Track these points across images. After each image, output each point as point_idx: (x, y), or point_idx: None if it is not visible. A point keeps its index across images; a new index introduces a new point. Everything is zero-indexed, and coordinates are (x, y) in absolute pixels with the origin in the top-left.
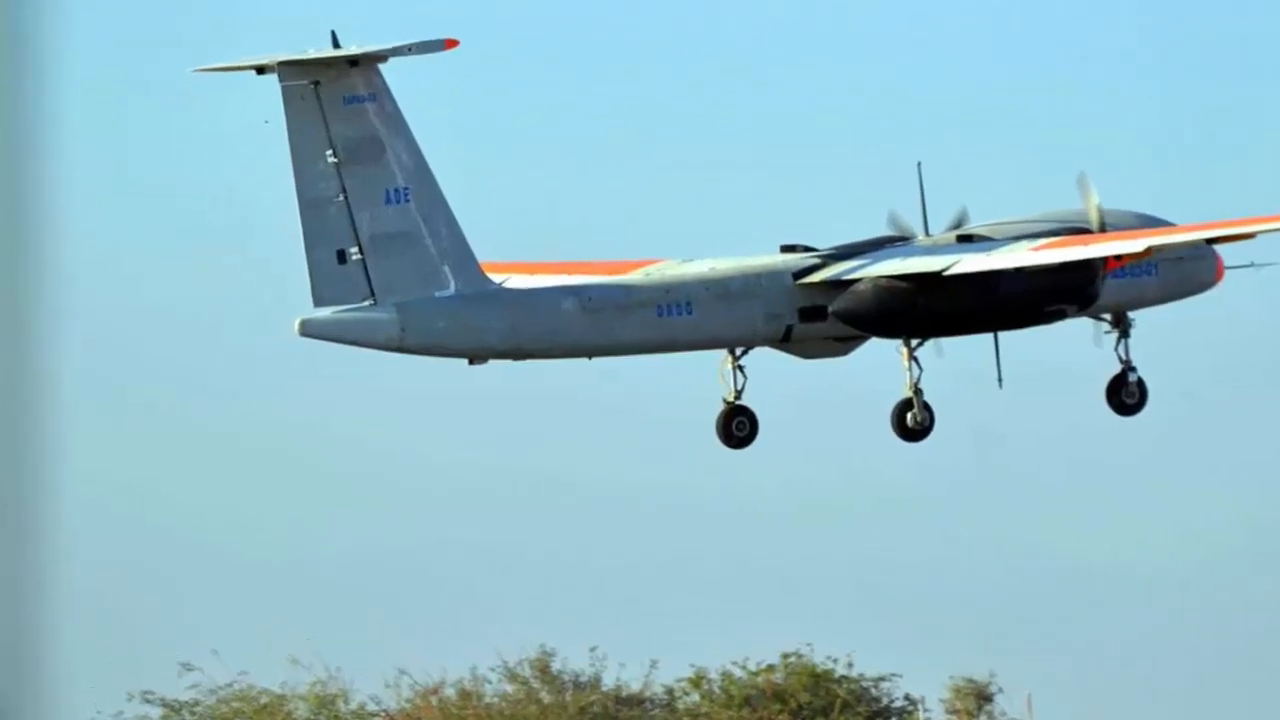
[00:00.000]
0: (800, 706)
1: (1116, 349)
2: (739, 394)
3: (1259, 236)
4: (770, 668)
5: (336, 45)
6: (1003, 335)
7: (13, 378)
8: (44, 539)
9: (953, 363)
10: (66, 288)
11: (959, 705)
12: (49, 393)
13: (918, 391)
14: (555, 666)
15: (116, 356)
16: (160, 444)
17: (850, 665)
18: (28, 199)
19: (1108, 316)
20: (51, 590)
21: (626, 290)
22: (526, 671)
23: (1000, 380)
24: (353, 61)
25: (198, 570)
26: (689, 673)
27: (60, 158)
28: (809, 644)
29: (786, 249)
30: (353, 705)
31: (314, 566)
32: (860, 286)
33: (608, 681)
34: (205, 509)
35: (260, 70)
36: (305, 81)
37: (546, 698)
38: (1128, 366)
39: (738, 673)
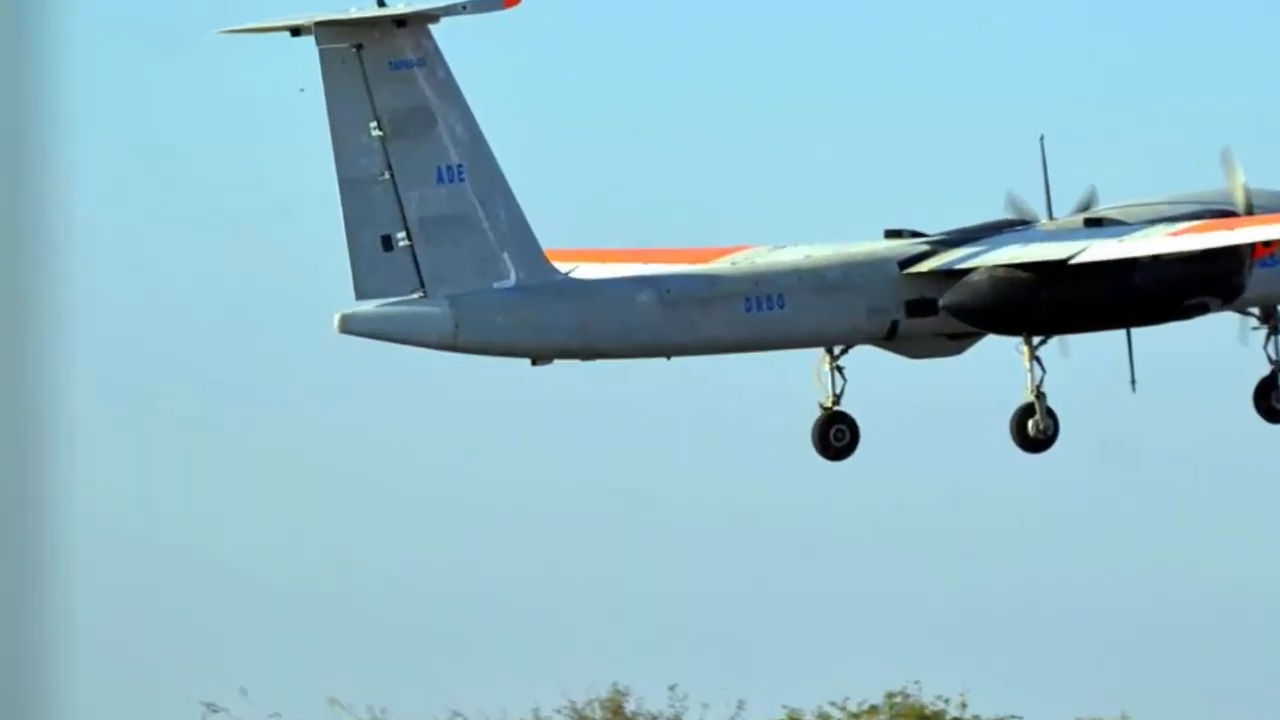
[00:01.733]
0: None
1: (1265, 347)
2: (837, 398)
3: None
4: (873, 709)
5: (381, 3)
6: (1136, 332)
7: (13, 380)
8: (49, 563)
9: (1079, 363)
10: (74, 278)
11: None
12: (53, 398)
13: (1040, 396)
14: (629, 707)
15: (130, 357)
16: (180, 457)
17: (964, 706)
18: (31, 178)
19: (1255, 311)
20: (58, 621)
21: (710, 281)
22: (597, 713)
23: (1133, 383)
24: (400, 22)
25: (224, 599)
26: (780, 714)
27: (68, 131)
28: (917, 681)
29: (891, 234)
30: None
31: (356, 595)
32: (975, 277)
33: None
34: (232, 530)
35: (295, 32)
36: (346, 44)
37: None
38: (1278, 367)
39: (836, 714)
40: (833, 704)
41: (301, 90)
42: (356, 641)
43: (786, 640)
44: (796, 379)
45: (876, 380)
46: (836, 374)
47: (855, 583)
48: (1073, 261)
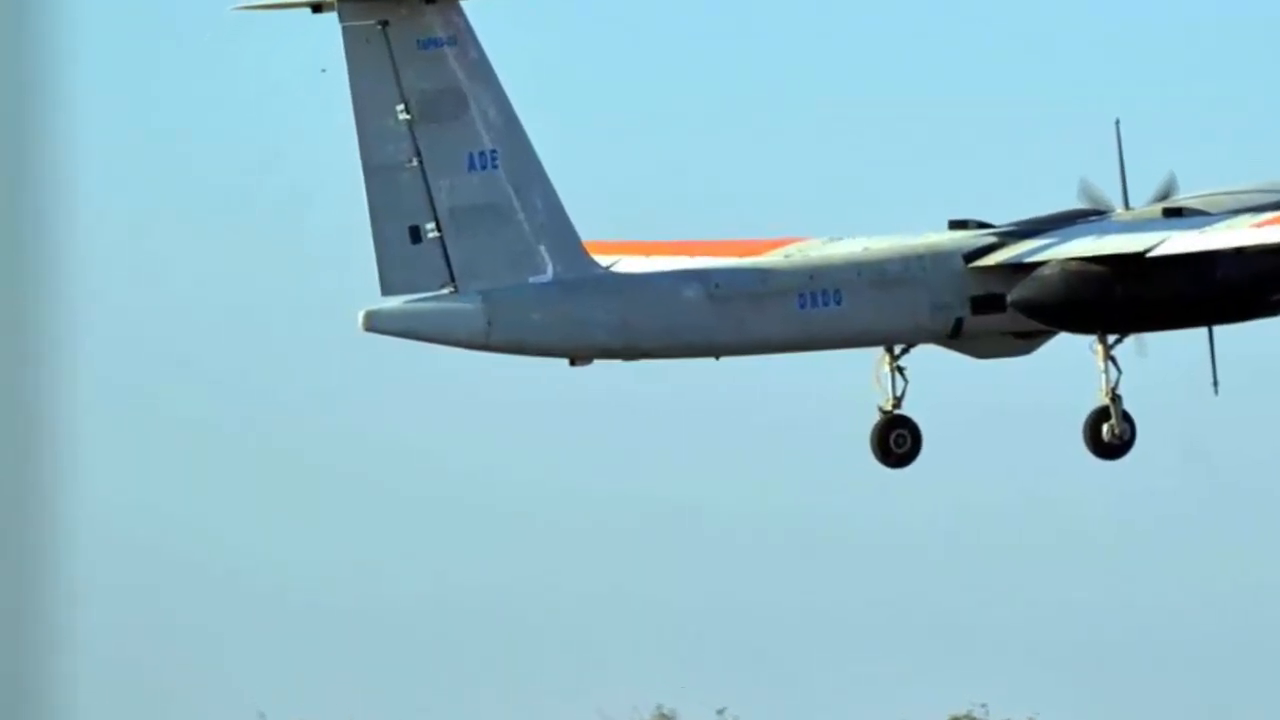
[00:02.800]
0: None
1: None
2: (898, 401)
3: None
4: None
5: None
6: (1219, 330)
7: (15, 382)
8: (52, 578)
9: (1158, 363)
10: (78, 273)
11: None
12: (58, 402)
13: (1115, 398)
14: None
15: (137, 358)
16: (191, 464)
17: None
18: (32, 165)
19: None
20: (62, 640)
21: (762, 275)
22: None
23: (1215, 385)
24: None
25: (240, 616)
26: None
27: (71, 115)
28: (983, 705)
29: (956, 225)
30: None
31: (381, 609)
32: (1045, 271)
33: None
34: (249, 543)
35: (316, 8)
36: (371, 21)
37: None
38: None
39: None
40: None
41: (323, 71)
42: (382, 658)
43: (843, 660)
44: (854, 381)
45: (940, 382)
46: (897, 375)
47: (917, 599)
48: (1150, 254)
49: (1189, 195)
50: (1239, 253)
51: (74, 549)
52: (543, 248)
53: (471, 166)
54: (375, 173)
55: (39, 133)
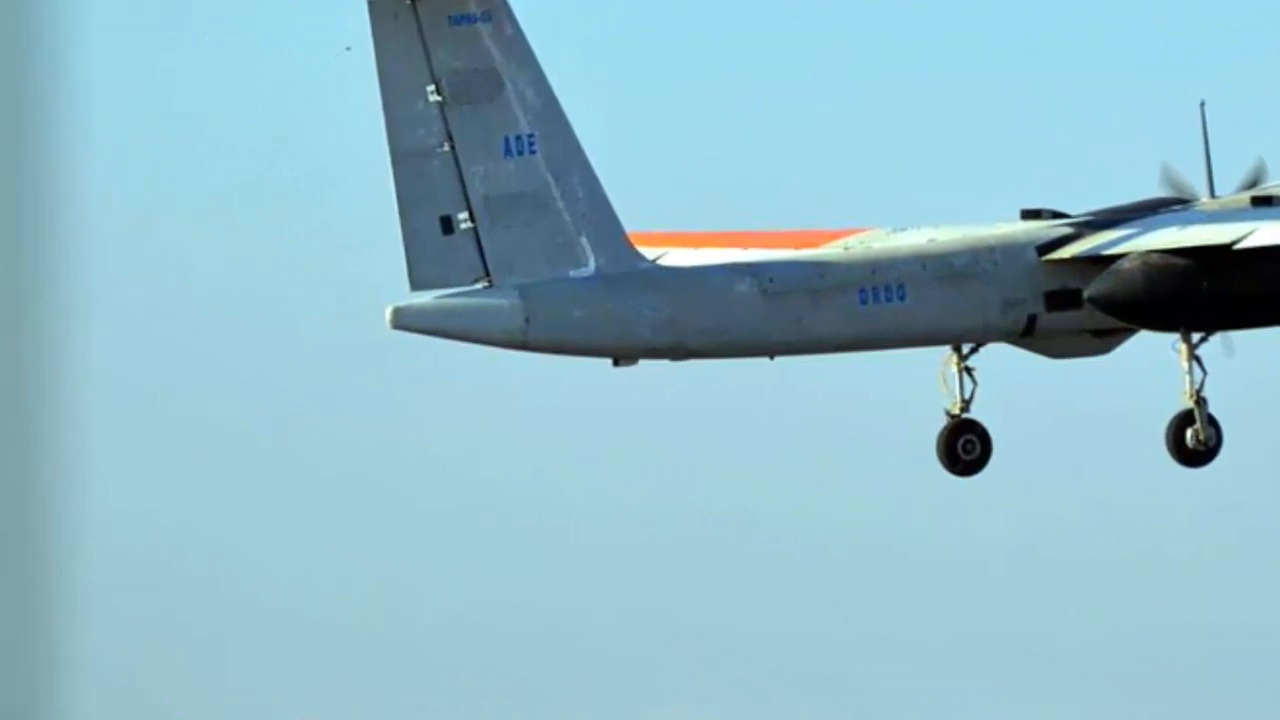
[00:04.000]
0: None
1: None
2: (967, 405)
3: None
4: None
5: None
6: None
7: (18, 383)
8: (55, 592)
9: (1246, 364)
10: (84, 266)
11: None
12: (62, 403)
13: (1200, 402)
14: None
15: (149, 357)
16: (210, 472)
17: None
18: (38, 150)
19: None
20: (65, 660)
21: (820, 269)
22: None
23: None
24: None
25: (260, 638)
26: None
27: (78, 96)
28: None
29: (1029, 215)
30: None
31: (413, 630)
32: (1125, 264)
33: None
34: (267, 554)
35: None
36: None
37: None
38: None
39: None
40: None
41: (348, 49)
42: (417, 687)
43: (909, 681)
44: (919, 382)
45: (1011, 384)
46: (965, 376)
47: (986, 619)
48: (1238, 246)
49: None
50: None
51: (85, 560)
52: (584, 239)
53: (507, 152)
54: (404, 159)
55: (41, 117)
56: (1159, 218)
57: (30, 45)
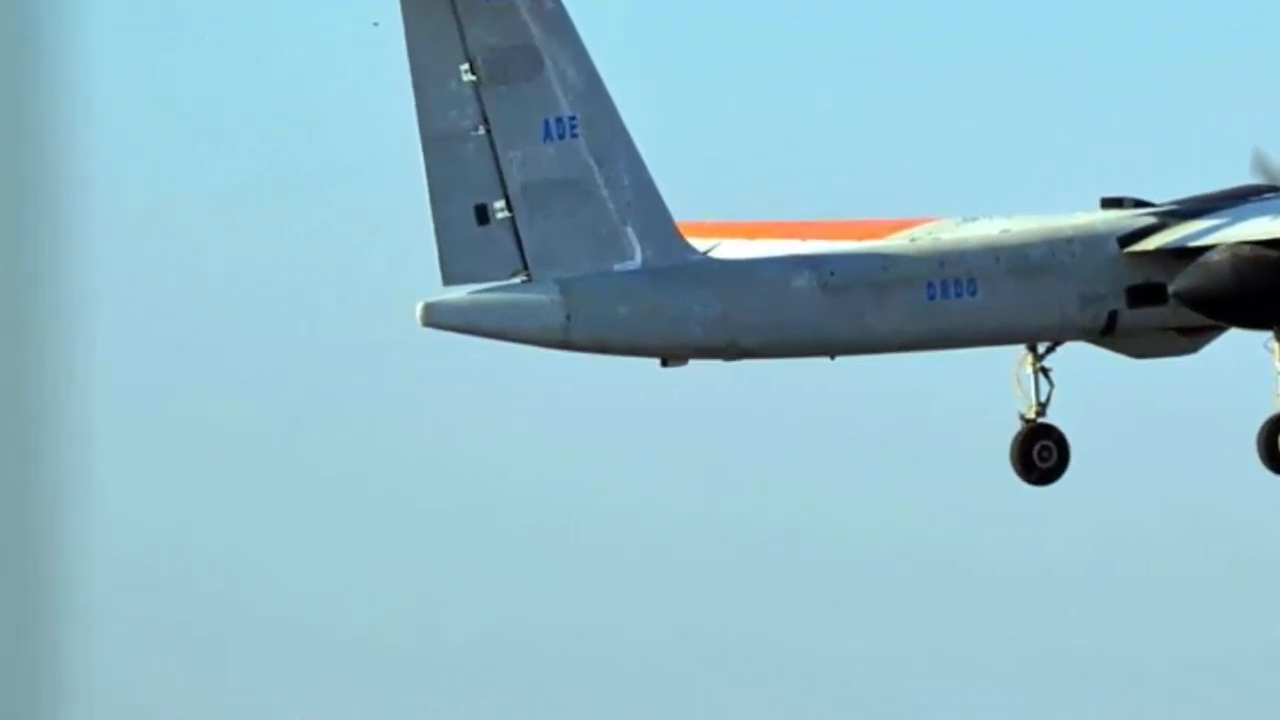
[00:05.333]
0: None
1: None
2: (1043, 408)
3: None
4: None
5: None
6: None
7: (21, 383)
8: (60, 608)
9: None
10: (92, 258)
11: None
12: (67, 408)
13: None
14: None
15: (162, 357)
16: (227, 481)
17: None
18: (41, 139)
19: None
20: (71, 682)
21: (884, 262)
22: None
23: None
24: None
25: (281, 657)
26: None
27: (85, 75)
28: None
29: (1110, 203)
30: None
31: (446, 653)
32: (1213, 257)
33: None
34: (291, 573)
35: None
36: None
37: None
38: None
39: None
40: None
41: (376, 25)
42: (456, 696)
43: (980, 703)
44: (991, 384)
45: (1090, 385)
46: (1041, 378)
47: (1065, 636)
48: None
49: None
50: None
51: (95, 571)
52: (630, 230)
53: (547, 135)
54: (436, 143)
55: (47, 102)
56: (1250, 206)
57: (40, 29)
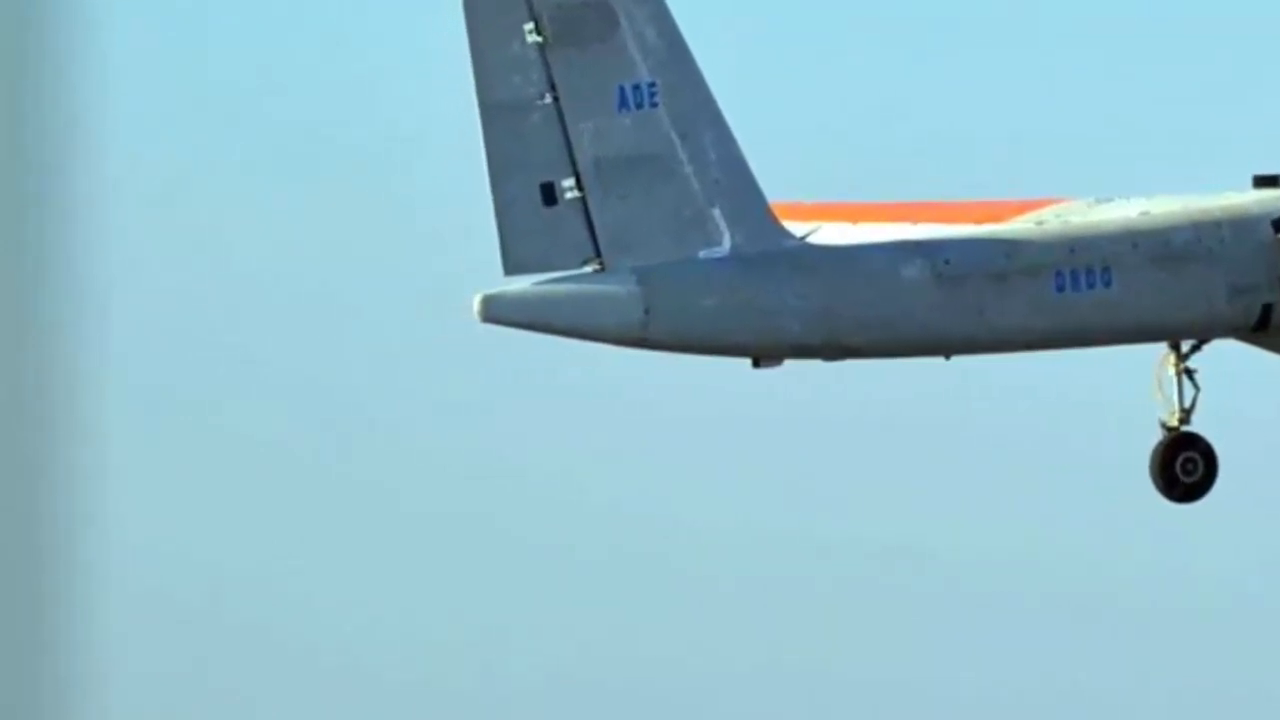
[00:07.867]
0: None
1: None
2: (1187, 415)
3: None
4: None
5: None
6: None
7: (25, 383)
8: (67, 635)
9: None
10: (108, 245)
11: None
12: (76, 410)
13: None
14: None
15: (183, 354)
16: (254, 494)
17: None
18: (52, 109)
19: None
20: (86, 690)
21: (1008, 248)
22: None
23: None
24: None
25: (311, 689)
26: None
27: (99, 42)
28: None
29: (1263, 182)
30: None
31: (495, 684)
32: None
33: None
34: (324, 596)
35: None
36: None
37: None
38: None
39: None
40: None
41: None
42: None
43: None
44: (1129, 388)
45: (1242, 389)
46: (1185, 380)
47: (1212, 672)
48: None
49: None
50: None
51: (112, 588)
52: (717, 212)
53: (623, 104)
54: (496, 113)
55: (64, 70)
56: None
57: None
